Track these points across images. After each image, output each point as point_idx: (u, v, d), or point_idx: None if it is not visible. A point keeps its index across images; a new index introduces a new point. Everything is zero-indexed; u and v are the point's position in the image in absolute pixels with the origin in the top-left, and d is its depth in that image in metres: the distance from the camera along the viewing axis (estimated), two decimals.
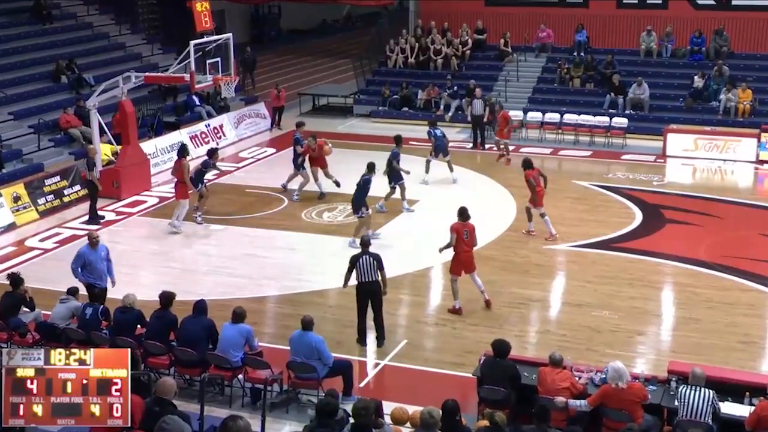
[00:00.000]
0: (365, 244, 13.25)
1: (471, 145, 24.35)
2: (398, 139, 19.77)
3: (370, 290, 12.97)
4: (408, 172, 19.14)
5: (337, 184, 19.79)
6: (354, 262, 13.05)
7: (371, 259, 12.96)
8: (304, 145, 19.91)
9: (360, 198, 16.84)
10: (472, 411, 10.51)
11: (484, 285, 14.28)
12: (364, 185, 16.90)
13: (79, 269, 13.54)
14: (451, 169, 21.23)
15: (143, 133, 24.00)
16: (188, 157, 19.19)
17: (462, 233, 13.95)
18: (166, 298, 11.99)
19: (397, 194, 19.01)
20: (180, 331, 11.76)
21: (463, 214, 14.17)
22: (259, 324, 13.63)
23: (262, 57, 34.50)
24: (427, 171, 21.14)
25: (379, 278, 13.01)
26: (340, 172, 20.04)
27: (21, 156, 22.01)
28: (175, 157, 19.26)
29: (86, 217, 19.10)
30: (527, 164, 17.45)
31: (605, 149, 24.30)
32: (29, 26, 27.60)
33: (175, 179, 18.56)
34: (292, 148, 20.38)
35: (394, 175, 18.84)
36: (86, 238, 13.95)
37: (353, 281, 13.11)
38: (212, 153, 19.33)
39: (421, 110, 27.76)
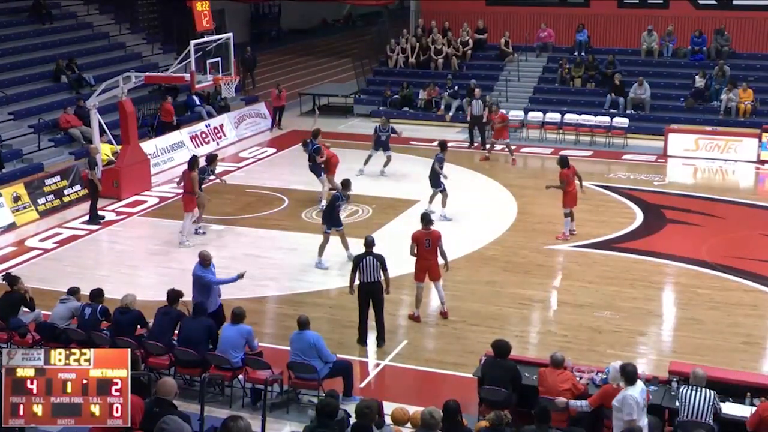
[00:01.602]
0: (369, 244, 13.22)
1: (467, 144, 24.35)
2: (443, 145, 19.10)
3: (371, 290, 12.96)
4: (446, 177, 18.48)
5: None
6: (357, 262, 13.07)
7: (374, 259, 12.96)
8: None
9: (326, 215, 16.15)
10: (473, 411, 10.49)
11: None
12: (332, 202, 16.12)
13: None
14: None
15: (143, 133, 23.99)
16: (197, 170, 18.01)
17: (423, 242, 13.67)
18: (174, 295, 12.04)
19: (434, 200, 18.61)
20: (180, 332, 11.76)
21: (424, 219, 13.90)
22: (260, 324, 13.61)
23: (262, 56, 34.52)
24: (366, 163, 21.80)
25: (382, 279, 13.00)
26: (339, 172, 19.97)
27: (21, 156, 22.00)
28: (185, 167, 18.14)
29: (86, 217, 19.08)
30: (564, 162, 17.25)
31: (606, 149, 24.28)
32: (29, 26, 27.60)
33: (183, 191, 17.76)
34: (308, 156, 19.56)
35: (436, 181, 18.38)
36: (198, 257, 12.94)
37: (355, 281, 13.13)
38: (211, 160, 18.85)
39: (421, 110, 27.76)
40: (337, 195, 16.21)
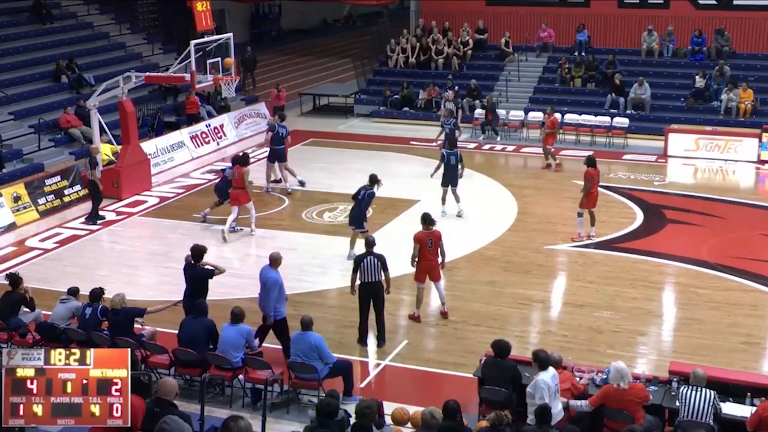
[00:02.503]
0: (370, 244, 13.20)
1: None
2: (452, 142, 19.35)
3: (372, 290, 12.94)
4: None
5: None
6: (358, 262, 13.05)
7: (375, 259, 12.94)
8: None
9: (361, 212, 16.14)
10: (473, 411, 10.49)
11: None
12: (368, 199, 16.11)
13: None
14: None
15: (144, 133, 23.99)
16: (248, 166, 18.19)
17: (426, 242, 13.61)
18: (198, 251, 12.58)
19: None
20: (181, 332, 11.77)
21: (426, 220, 13.79)
22: (260, 324, 13.57)
23: (262, 56, 34.49)
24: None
25: (382, 279, 13.00)
26: (339, 172, 19.99)
27: (21, 156, 22.01)
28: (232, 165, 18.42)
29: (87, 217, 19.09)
30: (591, 163, 17.11)
31: (606, 149, 24.24)
32: (29, 26, 27.61)
33: (234, 186, 17.76)
34: (277, 139, 20.43)
35: (455, 179, 18.40)
36: (268, 258, 12.55)
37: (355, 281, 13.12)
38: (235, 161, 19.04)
39: (421, 110, 27.75)
40: (372, 192, 16.18)
